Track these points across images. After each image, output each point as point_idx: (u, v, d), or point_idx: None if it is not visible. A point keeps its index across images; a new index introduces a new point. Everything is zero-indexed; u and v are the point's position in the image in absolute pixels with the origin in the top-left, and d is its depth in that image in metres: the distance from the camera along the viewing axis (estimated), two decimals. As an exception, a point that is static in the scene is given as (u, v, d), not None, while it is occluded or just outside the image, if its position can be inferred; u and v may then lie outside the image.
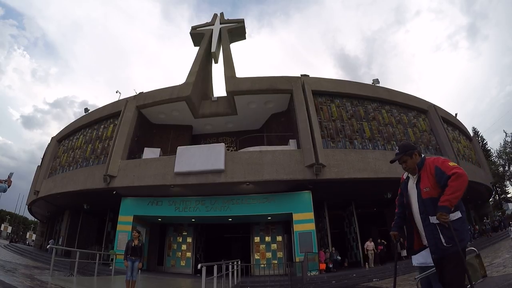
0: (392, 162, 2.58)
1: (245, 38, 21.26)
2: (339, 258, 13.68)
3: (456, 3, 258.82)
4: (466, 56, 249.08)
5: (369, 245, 13.87)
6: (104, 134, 16.49)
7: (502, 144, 33.23)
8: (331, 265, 12.79)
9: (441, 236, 2.13)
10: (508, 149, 32.31)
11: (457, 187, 2.06)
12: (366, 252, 13.75)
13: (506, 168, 32.55)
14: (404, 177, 2.60)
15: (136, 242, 6.60)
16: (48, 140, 21.79)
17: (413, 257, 2.64)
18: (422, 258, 3.19)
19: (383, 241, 14.78)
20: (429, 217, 2.22)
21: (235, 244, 19.40)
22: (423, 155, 2.46)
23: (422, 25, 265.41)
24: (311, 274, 11.15)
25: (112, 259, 13.64)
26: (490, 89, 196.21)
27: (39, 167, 20.83)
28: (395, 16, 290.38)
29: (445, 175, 2.15)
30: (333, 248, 13.66)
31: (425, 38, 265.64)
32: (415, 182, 2.41)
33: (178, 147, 13.76)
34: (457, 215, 2.16)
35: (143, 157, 14.46)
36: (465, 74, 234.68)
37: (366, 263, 13.47)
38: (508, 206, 32.17)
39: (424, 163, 2.35)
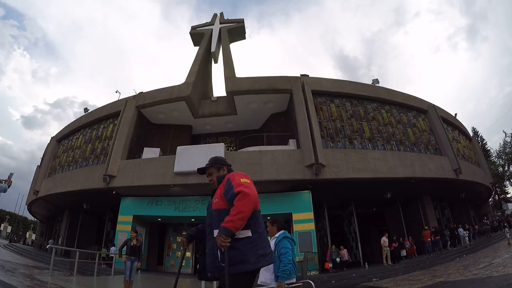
0: (199, 172, 2.41)
1: (245, 38, 21.23)
2: (345, 258, 13.69)
3: (455, 4, 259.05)
4: (465, 57, 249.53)
5: (385, 240, 13.31)
6: (104, 134, 16.47)
7: (501, 144, 33.31)
8: (339, 258, 12.99)
9: (218, 253, 1.95)
10: (508, 149, 32.33)
11: (241, 207, 1.86)
12: (383, 249, 13.35)
13: (506, 168, 32.60)
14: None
15: (134, 242, 6.60)
16: (48, 140, 21.79)
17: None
18: (263, 277, 3.18)
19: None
20: (214, 230, 2.00)
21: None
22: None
23: (421, 26, 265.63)
24: (311, 274, 11.14)
25: (103, 258, 13.66)
26: (489, 90, 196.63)
27: (39, 167, 20.82)
28: (394, 17, 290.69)
29: (232, 191, 1.96)
30: (342, 247, 13.73)
31: (424, 39, 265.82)
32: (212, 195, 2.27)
33: (178, 147, 13.75)
34: (244, 233, 1.95)
35: (142, 157, 14.44)
36: (464, 75, 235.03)
37: (384, 260, 13.12)
38: (508, 206, 32.18)
39: (225, 177, 2.16)
